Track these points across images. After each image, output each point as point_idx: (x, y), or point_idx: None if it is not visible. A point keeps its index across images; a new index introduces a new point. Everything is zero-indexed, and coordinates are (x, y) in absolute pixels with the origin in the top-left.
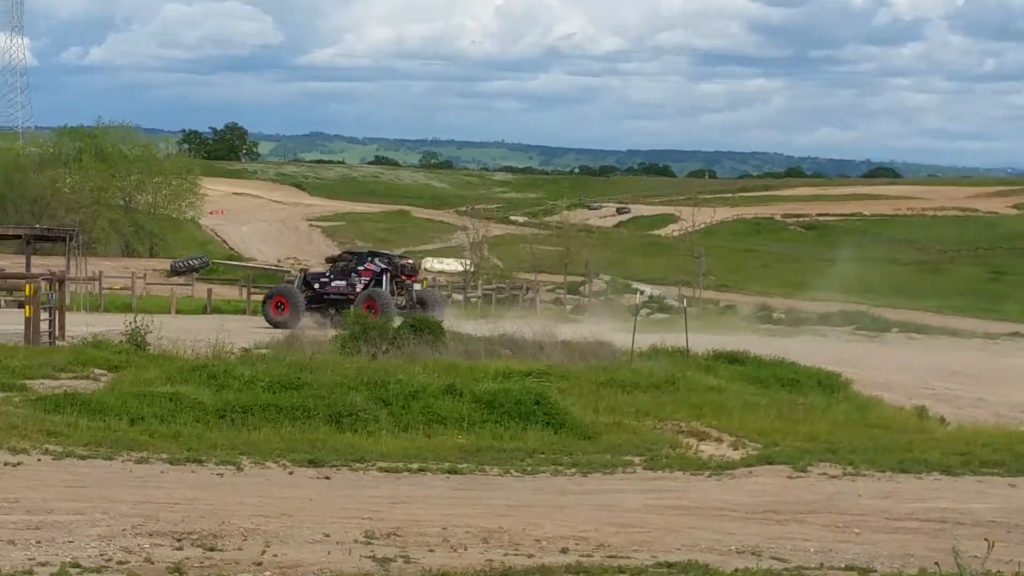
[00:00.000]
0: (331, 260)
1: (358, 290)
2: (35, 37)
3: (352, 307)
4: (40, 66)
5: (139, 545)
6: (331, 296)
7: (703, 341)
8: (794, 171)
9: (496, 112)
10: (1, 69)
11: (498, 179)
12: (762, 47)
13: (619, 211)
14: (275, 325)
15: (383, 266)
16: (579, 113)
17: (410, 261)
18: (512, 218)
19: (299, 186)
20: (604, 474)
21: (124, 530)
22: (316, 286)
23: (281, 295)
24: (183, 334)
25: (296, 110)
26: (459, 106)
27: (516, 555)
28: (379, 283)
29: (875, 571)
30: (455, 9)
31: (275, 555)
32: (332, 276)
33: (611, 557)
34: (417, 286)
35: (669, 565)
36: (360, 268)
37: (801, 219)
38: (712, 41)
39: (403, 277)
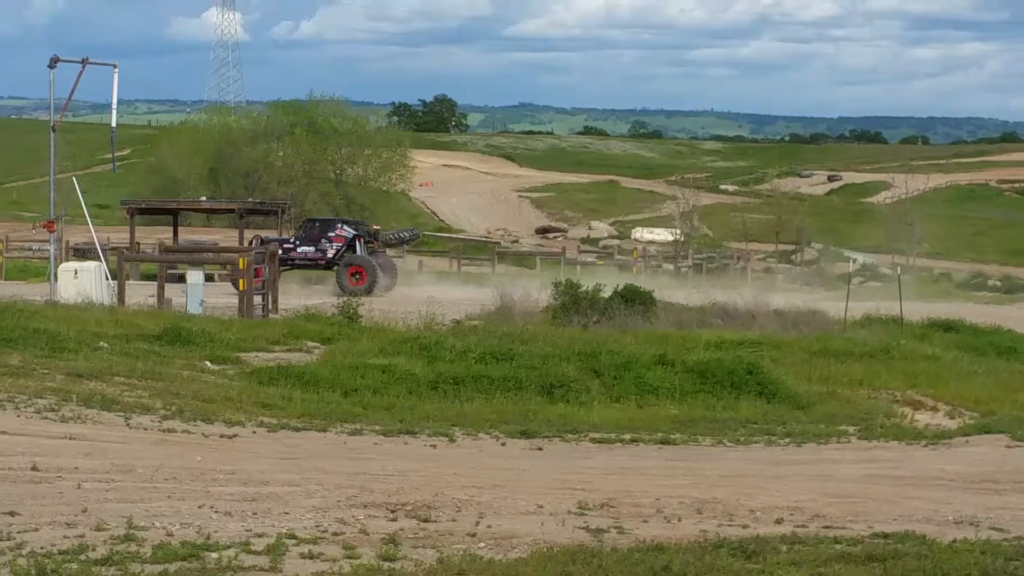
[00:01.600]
0: (542, 230)
1: (329, 256)
2: (247, 12)
3: (336, 273)
4: (252, 41)
5: (354, 516)
6: (296, 262)
7: (917, 309)
8: (1009, 136)
9: (705, 80)
10: (214, 44)
11: (708, 148)
12: (977, 10)
13: (830, 179)
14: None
15: (354, 232)
16: (789, 80)
17: (377, 227)
18: (722, 187)
19: (508, 157)
20: (818, 444)
21: (339, 501)
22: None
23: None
24: (394, 306)
25: (505, 81)
26: (668, 75)
27: (730, 526)
28: (351, 249)
29: None
30: None
31: (489, 526)
32: (297, 242)
33: (827, 528)
34: (390, 253)
35: (885, 536)
36: (331, 234)
37: (1016, 185)
38: (925, 5)
39: (372, 244)
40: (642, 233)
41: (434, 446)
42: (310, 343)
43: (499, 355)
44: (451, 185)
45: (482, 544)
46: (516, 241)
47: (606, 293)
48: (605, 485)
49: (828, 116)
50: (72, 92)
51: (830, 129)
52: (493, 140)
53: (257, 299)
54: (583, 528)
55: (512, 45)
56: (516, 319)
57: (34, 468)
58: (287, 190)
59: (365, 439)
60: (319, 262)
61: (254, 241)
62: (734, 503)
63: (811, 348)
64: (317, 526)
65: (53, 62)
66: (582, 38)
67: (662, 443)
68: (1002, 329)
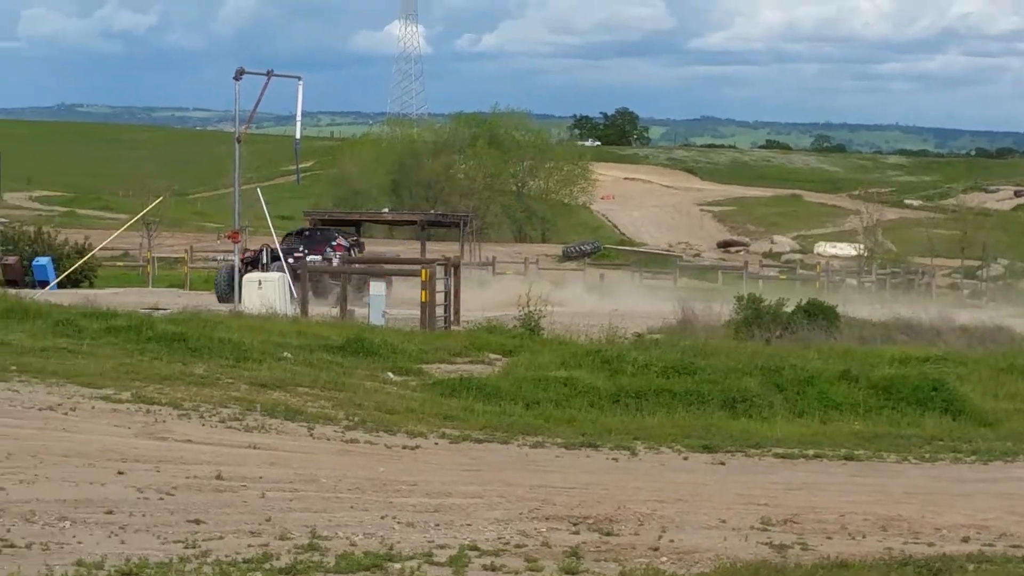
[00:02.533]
0: (724, 244)
1: (334, 264)
2: (429, 25)
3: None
4: (434, 54)
5: (536, 529)
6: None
7: None
8: None
9: (889, 94)
10: (396, 57)
11: (892, 162)
12: None
13: (1017, 194)
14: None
15: (350, 242)
16: (975, 94)
17: (360, 239)
18: (906, 202)
19: (690, 171)
20: (1005, 462)
21: (521, 514)
22: (290, 261)
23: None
24: (576, 319)
25: (687, 94)
26: (852, 89)
27: (916, 543)
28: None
29: None
30: None
31: (671, 540)
32: (306, 251)
33: (1015, 547)
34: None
35: None
36: (333, 243)
37: None
38: None
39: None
40: (825, 248)
41: (616, 459)
42: (492, 355)
43: (681, 369)
44: (632, 198)
45: (664, 559)
46: (698, 255)
47: (789, 307)
48: (788, 500)
49: (1015, 130)
50: (257, 103)
51: (1017, 143)
52: (675, 153)
53: (439, 311)
54: (766, 544)
55: (694, 58)
56: (698, 333)
57: (219, 477)
58: (468, 202)
59: (547, 451)
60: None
61: (263, 250)
62: (919, 520)
63: (998, 365)
64: (499, 538)
65: (239, 74)
66: (764, 51)
67: (846, 459)
68: None
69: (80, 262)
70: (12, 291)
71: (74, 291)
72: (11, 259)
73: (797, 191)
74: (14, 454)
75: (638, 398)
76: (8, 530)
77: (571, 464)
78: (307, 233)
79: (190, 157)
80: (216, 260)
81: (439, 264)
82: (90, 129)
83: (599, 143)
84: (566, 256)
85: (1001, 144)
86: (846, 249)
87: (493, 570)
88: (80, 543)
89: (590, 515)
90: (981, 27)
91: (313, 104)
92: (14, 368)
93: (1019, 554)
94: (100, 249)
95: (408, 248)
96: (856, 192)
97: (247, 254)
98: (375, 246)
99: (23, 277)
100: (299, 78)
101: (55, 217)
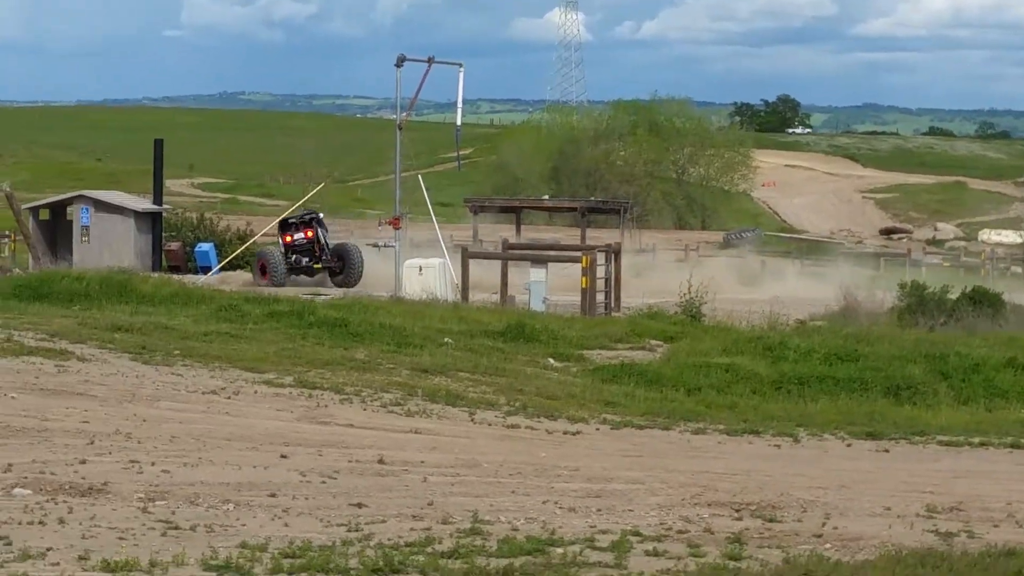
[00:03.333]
0: (886, 231)
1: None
2: (589, 12)
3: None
4: (594, 40)
5: (698, 515)
6: None
7: None
8: None
9: None
10: (556, 44)
11: None
12: None
13: None
14: None
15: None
16: None
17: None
18: None
19: (852, 157)
20: None
21: (683, 500)
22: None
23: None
24: (737, 305)
25: (849, 81)
26: (1017, 75)
27: None
28: None
29: None
30: None
31: (835, 527)
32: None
33: None
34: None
35: None
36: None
37: None
38: None
39: None
40: (989, 235)
41: (778, 446)
42: (653, 341)
43: (844, 356)
44: (793, 186)
45: (828, 545)
46: (860, 242)
47: (953, 295)
48: (954, 488)
49: None
50: (418, 91)
51: None
52: (836, 140)
53: (600, 297)
54: (932, 531)
55: (857, 45)
56: (861, 320)
57: (381, 461)
58: (628, 189)
59: (708, 438)
60: None
61: (317, 232)
62: None
63: None
64: (661, 524)
65: (400, 61)
66: (928, 37)
67: (1012, 447)
68: None
69: (242, 248)
70: (176, 276)
71: (236, 275)
72: (174, 245)
73: (961, 178)
74: (178, 437)
75: (800, 384)
76: (173, 512)
77: (733, 450)
78: (307, 219)
79: (350, 144)
80: (378, 246)
81: (600, 251)
82: (251, 116)
83: (809, 130)
84: (727, 243)
85: None
86: (1011, 236)
87: (656, 555)
88: (244, 525)
89: (752, 501)
90: None
91: (473, 91)
92: (178, 352)
93: None
94: (261, 235)
95: (567, 235)
96: (1021, 179)
97: (296, 239)
98: (534, 232)
99: (185, 263)
100: (460, 65)
101: (217, 203)
